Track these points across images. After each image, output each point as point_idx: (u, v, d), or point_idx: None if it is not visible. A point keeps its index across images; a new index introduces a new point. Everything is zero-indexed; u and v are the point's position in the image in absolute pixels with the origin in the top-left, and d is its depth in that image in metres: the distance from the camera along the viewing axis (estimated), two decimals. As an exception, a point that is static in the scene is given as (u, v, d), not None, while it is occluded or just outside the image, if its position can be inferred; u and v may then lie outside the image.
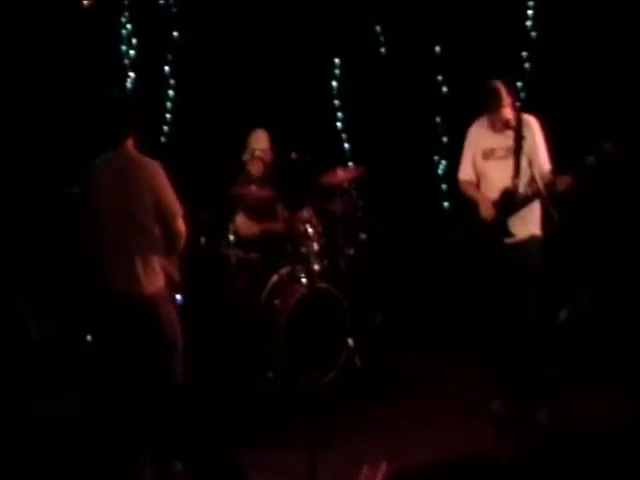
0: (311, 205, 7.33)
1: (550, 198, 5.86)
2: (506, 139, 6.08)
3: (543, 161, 6.07)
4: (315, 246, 7.06)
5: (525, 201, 6.01)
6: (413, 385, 7.00)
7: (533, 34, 8.39)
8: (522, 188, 6.04)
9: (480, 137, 6.22)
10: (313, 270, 6.96)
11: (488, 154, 6.17)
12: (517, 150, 6.03)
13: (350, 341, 7.12)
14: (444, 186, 8.72)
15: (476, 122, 6.27)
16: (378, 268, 7.87)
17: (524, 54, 8.39)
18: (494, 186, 6.12)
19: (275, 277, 7.17)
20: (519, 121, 6.07)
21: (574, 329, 7.14)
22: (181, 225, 5.26)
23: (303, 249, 7.04)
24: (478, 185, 6.27)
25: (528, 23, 8.38)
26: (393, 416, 6.43)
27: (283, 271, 7.18)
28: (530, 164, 5.92)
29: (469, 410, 6.37)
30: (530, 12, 8.38)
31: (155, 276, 5.26)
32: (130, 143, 5.28)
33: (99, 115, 5.37)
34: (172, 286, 5.40)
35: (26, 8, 7.16)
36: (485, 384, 6.50)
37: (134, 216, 5.19)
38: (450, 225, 8.41)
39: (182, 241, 5.31)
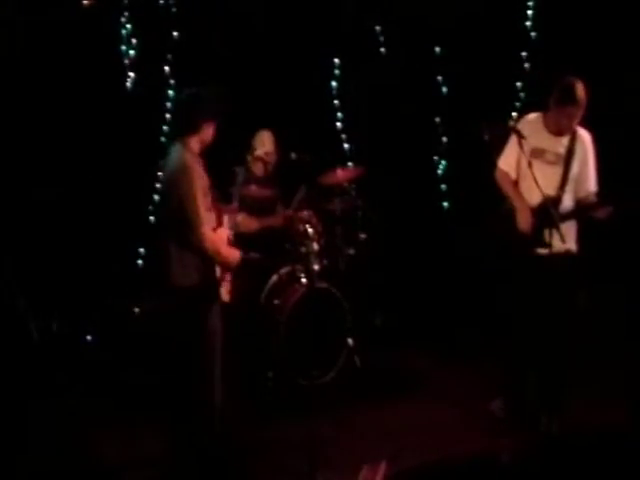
0: (311, 205, 7.33)
1: (582, 219, 5.83)
2: (559, 144, 5.90)
3: (590, 181, 5.93)
4: (315, 246, 7.06)
5: (567, 216, 5.82)
6: (413, 385, 7.00)
7: (533, 34, 8.40)
8: (566, 201, 5.88)
9: (533, 133, 5.89)
10: (313, 270, 6.96)
11: (537, 154, 5.88)
12: (568, 160, 5.85)
13: (350, 341, 7.12)
14: (444, 186, 8.73)
15: (530, 116, 6.04)
16: (378, 268, 7.87)
17: (524, 54, 8.39)
18: (535, 190, 5.75)
19: (275, 277, 7.17)
20: (574, 132, 5.89)
21: (574, 329, 7.13)
22: (198, 240, 5.25)
23: (303, 249, 7.05)
24: (516, 183, 6.02)
25: (528, 23, 8.39)
26: (393, 416, 6.43)
27: (283, 271, 7.18)
28: (576, 178, 5.84)
29: (469, 410, 6.38)
30: (530, 12, 8.39)
31: (187, 271, 5.33)
32: (192, 141, 5.39)
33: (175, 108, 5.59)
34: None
35: (26, 8, 7.16)
36: (485, 384, 6.52)
37: (167, 209, 5.37)
38: (451, 227, 8.44)
39: (206, 254, 5.31)
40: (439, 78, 8.57)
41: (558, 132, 5.91)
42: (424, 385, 6.99)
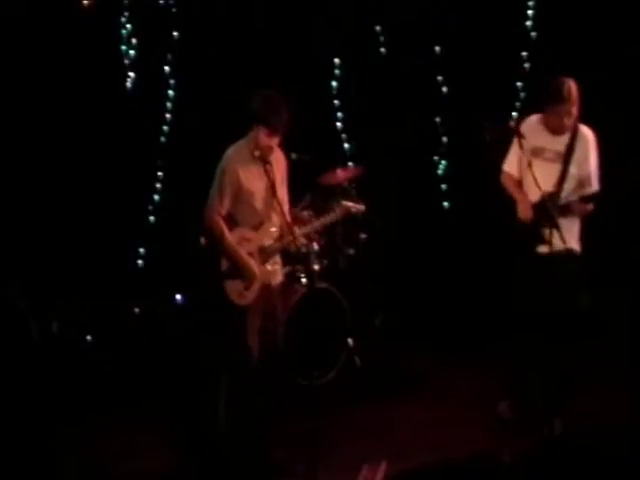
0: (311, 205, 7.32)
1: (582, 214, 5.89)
2: (558, 143, 5.93)
3: (592, 179, 5.93)
4: (315, 246, 7.05)
5: (564, 209, 5.83)
6: (413, 385, 7.00)
7: (533, 34, 8.39)
8: (565, 197, 5.88)
9: (532, 133, 5.98)
10: (313, 270, 6.95)
11: (537, 152, 5.95)
12: (567, 157, 5.89)
13: (350, 341, 7.12)
14: (444, 186, 8.72)
15: (531, 117, 6.10)
16: (378, 268, 7.86)
17: (524, 54, 8.39)
18: (534, 187, 5.82)
19: (275, 277, 7.16)
20: (575, 130, 5.92)
21: (574, 328, 7.13)
22: (205, 217, 5.63)
23: (303, 249, 7.03)
24: (520, 183, 6.07)
25: (528, 23, 8.38)
26: (393, 416, 6.43)
27: (283, 271, 7.17)
28: (576, 175, 5.87)
29: (469, 410, 6.37)
30: (530, 12, 8.39)
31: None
32: (245, 141, 5.75)
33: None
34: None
35: (26, 8, 7.16)
36: (486, 384, 6.52)
37: None
38: (451, 227, 8.44)
39: (207, 233, 5.73)
40: (439, 78, 8.57)
41: (556, 131, 5.94)
42: (424, 385, 6.99)
